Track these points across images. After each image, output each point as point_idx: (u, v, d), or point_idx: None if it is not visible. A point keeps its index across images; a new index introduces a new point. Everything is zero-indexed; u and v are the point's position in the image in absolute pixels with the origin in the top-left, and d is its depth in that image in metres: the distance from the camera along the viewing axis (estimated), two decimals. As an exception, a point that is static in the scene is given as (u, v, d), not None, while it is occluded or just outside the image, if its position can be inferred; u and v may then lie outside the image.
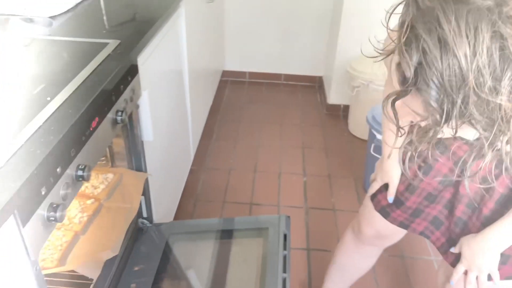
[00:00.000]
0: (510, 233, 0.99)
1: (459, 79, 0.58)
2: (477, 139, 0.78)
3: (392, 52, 0.69)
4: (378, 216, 1.26)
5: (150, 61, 1.39)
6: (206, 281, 1.30)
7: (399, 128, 0.74)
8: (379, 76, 2.48)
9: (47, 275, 1.05)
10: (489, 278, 1.05)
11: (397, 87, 0.67)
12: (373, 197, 1.28)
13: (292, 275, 1.81)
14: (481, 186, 0.95)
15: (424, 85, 0.61)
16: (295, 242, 1.97)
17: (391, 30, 0.72)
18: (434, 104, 0.61)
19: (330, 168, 2.50)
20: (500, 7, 0.58)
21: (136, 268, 1.32)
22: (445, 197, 1.10)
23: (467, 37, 0.57)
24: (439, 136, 0.67)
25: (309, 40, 3.30)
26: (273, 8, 3.18)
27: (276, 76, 3.49)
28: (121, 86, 1.12)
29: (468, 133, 0.92)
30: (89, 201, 1.23)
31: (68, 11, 1.44)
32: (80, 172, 0.88)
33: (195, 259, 1.37)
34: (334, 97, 3.04)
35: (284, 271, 1.24)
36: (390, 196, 1.21)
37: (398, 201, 1.20)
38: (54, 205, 0.79)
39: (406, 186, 1.17)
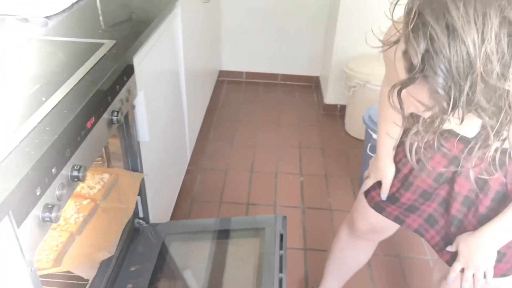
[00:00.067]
0: (507, 231, 0.99)
1: (467, 65, 0.58)
2: (479, 132, 0.78)
3: (396, 43, 0.69)
4: (372, 211, 1.27)
5: (146, 61, 1.39)
6: (202, 281, 1.30)
7: (404, 117, 0.74)
8: (376, 76, 2.48)
9: (42, 276, 1.05)
10: (484, 275, 1.06)
11: (402, 76, 0.66)
12: (367, 193, 1.29)
13: (288, 275, 1.81)
14: (483, 177, 0.95)
15: (431, 72, 0.60)
16: (291, 242, 1.97)
17: (396, 22, 0.72)
18: (441, 92, 0.61)
19: (326, 168, 2.50)
20: None
21: (132, 269, 1.32)
22: (440, 195, 1.10)
23: (475, 24, 0.57)
24: (445, 125, 0.67)
25: (306, 40, 3.30)
26: (270, 8, 3.18)
27: (273, 76, 3.49)
28: (117, 86, 1.12)
29: (470, 128, 0.93)
30: (85, 202, 1.22)
31: (63, 11, 1.44)
32: (75, 173, 0.88)
33: (192, 259, 1.37)
34: (330, 97, 3.04)
35: (281, 271, 1.24)
36: (383, 194, 1.22)
37: (393, 197, 1.20)
38: (49, 206, 0.79)
39: (402, 182, 1.17)
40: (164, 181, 1.77)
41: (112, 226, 1.19)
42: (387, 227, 1.29)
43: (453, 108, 0.62)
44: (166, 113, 1.71)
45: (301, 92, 3.39)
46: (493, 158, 0.88)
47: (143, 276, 1.29)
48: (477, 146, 0.75)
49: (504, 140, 0.70)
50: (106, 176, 1.33)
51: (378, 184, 1.24)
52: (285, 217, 1.41)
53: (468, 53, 0.58)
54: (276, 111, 3.10)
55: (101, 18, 1.44)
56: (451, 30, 0.58)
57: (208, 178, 2.38)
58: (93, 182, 1.30)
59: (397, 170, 1.19)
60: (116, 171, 1.35)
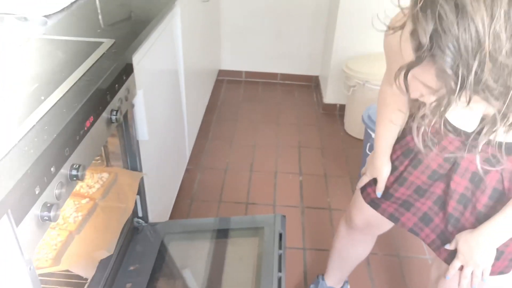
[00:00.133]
0: (506, 229, 1.00)
1: (476, 44, 0.59)
2: (481, 122, 0.77)
3: (401, 28, 0.69)
4: (367, 207, 1.29)
5: (145, 60, 1.39)
6: (201, 281, 1.30)
7: (411, 101, 0.74)
8: (375, 76, 2.48)
9: (41, 275, 1.05)
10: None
11: (408, 59, 0.66)
12: (363, 189, 1.31)
13: (288, 274, 1.81)
14: (486, 168, 0.95)
15: (439, 51, 0.60)
16: (291, 241, 1.97)
17: (402, 9, 0.72)
18: (449, 71, 0.61)
19: (326, 167, 2.50)
20: None
21: (131, 268, 1.32)
22: (435, 193, 1.11)
23: (484, 2, 0.58)
24: (451, 107, 0.66)
25: (305, 40, 3.30)
26: (269, 7, 3.18)
27: (272, 75, 3.49)
28: (116, 85, 1.12)
29: (470, 122, 0.93)
30: (84, 201, 1.22)
31: (63, 10, 1.44)
32: (74, 172, 0.87)
33: (191, 259, 1.37)
34: (330, 97, 3.04)
35: (280, 270, 1.24)
36: (379, 191, 1.24)
37: (387, 193, 1.22)
38: (48, 205, 0.78)
39: (396, 178, 1.19)
40: (163, 180, 1.77)
41: (111, 225, 1.19)
42: (383, 222, 1.30)
43: (461, 88, 0.62)
44: (165, 112, 1.71)
45: (300, 91, 3.39)
46: (499, 145, 0.88)
47: (142, 275, 1.29)
48: (483, 131, 0.74)
49: (510, 125, 0.70)
50: (105, 175, 1.32)
51: (374, 181, 1.26)
52: (284, 216, 1.41)
53: (477, 31, 0.58)
54: (276, 110, 3.10)
55: (100, 17, 1.44)
56: (460, 9, 0.58)
57: (208, 177, 2.38)
58: (92, 181, 1.29)
59: (394, 168, 1.20)
60: (115, 170, 1.35)
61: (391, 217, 1.24)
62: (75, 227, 1.13)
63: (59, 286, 1.14)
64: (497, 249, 1.03)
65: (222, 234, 1.43)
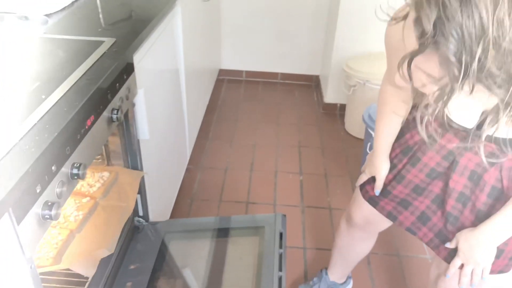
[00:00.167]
0: (507, 228, 1.00)
1: (479, 30, 0.59)
2: (483, 113, 0.77)
3: (404, 18, 0.70)
4: (366, 204, 1.30)
5: (146, 60, 1.39)
6: (202, 280, 1.30)
7: (414, 90, 0.74)
8: (376, 75, 2.48)
9: (42, 273, 1.05)
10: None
11: (410, 48, 0.67)
12: (362, 187, 1.32)
13: (288, 273, 1.81)
14: (489, 160, 0.95)
15: (443, 38, 0.61)
16: (291, 241, 1.98)
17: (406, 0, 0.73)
18: (452, 58, 0.61)
19: (326, 167, 2.50)
20: None
21: (132, 267, 1.32)
22: (433, 192, 1.11)
23: None
24: (454, 96, 0.66)
25: (305, 39, 3.30)
26: (269, 6, 3.18)
27: (273, 75, 3.49)
28: (117, 84, 1.12)
29: (472, 118, 0.93)
30: (84, 200, 1.22)
31: (63, 9, 1.44)
32: (75, 170, 0.88)
33: (191, 258, 1.37)
34: (330, 96, 3.04)
35: (280, 270, 1.24)
36: (377, 189, 1.25)
37: (385, 191, 1.23)
38: (49, 203, 0.79)
39: (394, 175, 1.20)
40: (164, 180, 1.77)
41: (112, 224, 1.20)
42: (382, 219, 1.31)
43: (464, 75, 0.62)
44: (166, 111, 1.71)
45: (301, 91, 3.39)
46: (504, 142, 0.89)
47: (142, 274, 1.29)
48: (487, 121, 0.74)
49: None
50: (106, 174, 1.33)
51: (373, 179, 1.27)
52: (284, 215, 1.41)
53: (480, 18, 0.58)
54: (276, 110, 3.10)
55: (101, 16, 1.44)
56: None
57: (208, 176, 2.38)
58: (93, 180, 1.30)
59: (393, 166, 1.21)
60: (116, 169, 1.35)
61: (389, 216, 1.25)
62: (76, 226, 1.13)
63: (60, 285, 1.14)
64: (498, 248, 1.04)
65: (222, 233, 1.43)
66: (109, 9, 1.50)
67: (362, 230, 1.44)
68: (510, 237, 1.02)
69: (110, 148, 1.36)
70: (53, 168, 0.81)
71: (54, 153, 0.80)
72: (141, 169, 1.38)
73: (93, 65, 1.07)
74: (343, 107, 2.99)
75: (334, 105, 3.06)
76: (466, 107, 0.90)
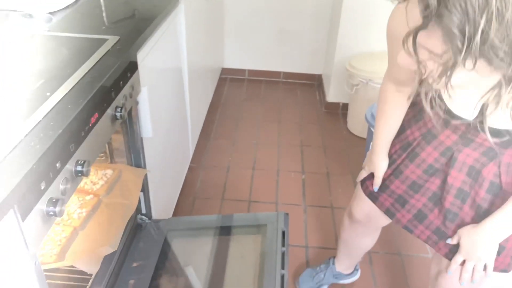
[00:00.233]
0: (509, 225, 1.01)
1: (483, 2, 0.59)
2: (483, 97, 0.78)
3: None
4: (366, 200, 1.33)
5: (149, 58, 1.39)
6: (204, 278, 1.30)
7: (419, 65, 0.75)
8: (378, 74, 2.48)
9: (46, 270, 1.06)
10: (484, 268, 1.08)
11: (414, 24, 0.68)
12: (362, 182, 1.35)
13: (290, 272, 1.82)
14: (495, 140, 0.96)
15: (446, 11, 0.61)
16: (293, 239, 1.98)
17: None
18: (455, 31, 0.62)
19: (328, 166, 2.50)
20: None
21: (134, 264, 1.32)
22: (430, 190, 1.12)
23: None
24: (457, 70, 0.68)
25: (308, 38, 3.30)
26: (272, 5, 3.18)
27: (275, 74, 3.49)
28: (121, 82, 1.12)
29: (472, 110, 0.94)
30: (88, 197, 1.23)
31: (67, 7, 1.45)
32: (79, 168, 0.88)
33: (194, 256, 1.38)
34: (333, 95, 3.04)
35: (283, 268, 1.24)
36: (375, 186, 1.28)
37: (384, 185, 1.25)
38: (54, 200, 0.79)
39: (393, 170, 1.22)
40: (167, 178, 1.77)
41: (115, 222, 1.20)
42: (381, 215, 1.33)
43: (467, 47, 0.63)
44: (169, 109, 1.71)
45: (303, 90, 3.39)
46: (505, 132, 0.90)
47: (145, 272, 1.29)
48: (490, 99, 0.74)
49: None
50: (109, 171, 1.33)
51: (373, 174, 1.29)
52: (287, 214, 1.41)
53: None
54: (278, 109, 3.10)
55: (104, 14, 1.44)
56: None
57: (210, 175, 2.38)
58: (96, 178, 1.30)
59: (392, 161, 1.23)
60: (119, 167, 1.35)
61: (387, 212, 1.26)
62: (80, 223, 1.13)
63: (63, 282, 1.14)
64: (499, 244, 1.04)
65: (225, 231, 1.43)
66: (112, 7, 1.50)
67: (363, 226, 1.46)
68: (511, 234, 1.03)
69: (114, 146, 1.37)
70: (57, 165, 0.81)
71: (58, 150, 0.81)
72: (144, 167, 1.39)
73: (97, 63, 1.07)
74: (345, 106, 2.99)
75: (337, 104, 3.06)
76: (466, 98, 0.90)
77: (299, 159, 2.55)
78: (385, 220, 1.36)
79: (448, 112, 0.99)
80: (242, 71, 3.50)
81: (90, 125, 0.95)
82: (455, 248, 1.10)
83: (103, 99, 1.02)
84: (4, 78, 0.99)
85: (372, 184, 1.29)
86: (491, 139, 0.93)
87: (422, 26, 0.66)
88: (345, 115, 2.97)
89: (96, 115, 0.98)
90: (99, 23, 1.36)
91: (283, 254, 1.28)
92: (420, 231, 1.18)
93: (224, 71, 3.49)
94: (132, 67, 1.20)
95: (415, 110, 1.17)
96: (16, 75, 1.00)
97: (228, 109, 3.06)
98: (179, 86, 1.90)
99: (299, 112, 3.07)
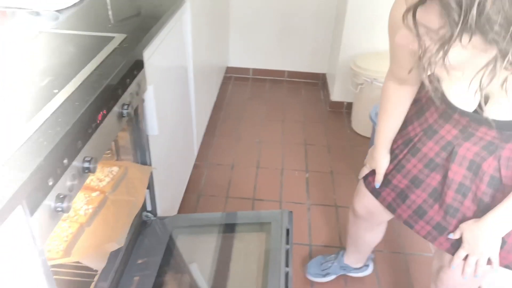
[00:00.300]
0: (508, 219, 1.02)
1: None
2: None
3: None
4: (367, 196, 1.35)
5: (155, 56, 1.40)
6: (209, 275, 1.31)
7: (419, 38, 0.77)
8: (383, 74, 2.47)
9: (52, 266, 1.06)
10: (488, 262, 1.08)
11: (413, 2, 0.71)
12: (365, 178, 1.37)
13: (294, 270, 1.82)
14: (497, 132, 0.97)
15: None
16: (297, 238, 1.98)
17: None
18: (453, 4, 0.65)
19: (332, 165, 2.50)
20: None
21: (139, 261, 1.33)
22: (431, 185, 1.14)
23: None
24: (453, 47, 0.70)
25: (313, 37, 3.30)
26: (277, 4, 3.18)
27: (280, 73, 3.49)
28: (127, 80, 1.13)
29: (471, 101, 0.95)
30: (94, 194, 1.24)
31: (74, 5, 1.45)
32: (86, 164, 0.89)
33: (199, 253, 1.38)
34: (337, 94, 3.04)
35: (287, 265, 1.25)
36: (377, 183, 1.30)
37: (386, 180, 1.27)
38: (61, 196, 0.80)
39: (395, 165, 1.24)
40: (172, 175, 1.78)
41: (121, 218, 1.21)
42: (382, 210, 1.35)
43: (464, 20, 0.65)
44: (174, 108, 1.72)
45: (307, 89, 3.39)
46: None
47: (150, 269, 1.30)
48: (485, 74, 0.76)
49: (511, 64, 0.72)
50: (115, 169, 1.34)
51: (375, 171, 1.31)
52: (291, 212, 1.42)
53: None
54: (283, 107, 3.10)
55: (111, 12, 1.45)
56: None
57: (215, 173, 2.39)
58: (102, 175, 1.31)
59: (394, 156, 1.25)
60: (125, 164, 1.36)
61: (389, 207, 1.28)
62: (86, 220, 1.14)
63: (69, 277, 1.15)
64: (502, 238, 1.05)
65: (229, 228, 1.44)
66: (119, 5, 1.51)
67: (366, 221, 1.48)
68: None
69: (120, 143, 1.37)
70: (64, 161, 0.82)
71: (65, 146, 0.82)
72: (150, 165, 1.39)
73: (104, 60, 1.08)
74: (349, 105, 2.99)
75: (341, 103, 3.06)
76: (464, 86, 0.91)
77: (303, 158, 2.56)
78: (387, 215, 1.38)
79: (448, 104, 1.00)
80: (246, 70, 3.51)
81: (97, 122, 0.95)
82: (457, 243, 1.11)
83: (110, 96, 1.02)
84: (12, 75, 1.00)
85: (374, 180, 1.31)
86: (493, 123, 0.94)
87: (421, 1, 0.69)
88: (349, 114, 2.97)
89: (103, 112, 0.98)
90: (106, 21, 1.37)
91: (287, 251, 1.29)
92: (420, 227, 1.19)
93: (229, 70, 3.50)
94: (138, 65, 1.21)
95: (417, 106, 1.19)
96: (23, 73, 1.01)
97: (233, 108, 3.07)
98: (184, 85, 1.90)
99: (303, 111, 3.07)
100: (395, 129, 1.24)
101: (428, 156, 1.13)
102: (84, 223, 1.14)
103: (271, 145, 2.67)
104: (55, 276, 0.95)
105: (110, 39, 1.20)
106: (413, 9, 0.71)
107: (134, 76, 1.18)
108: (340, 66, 2.91)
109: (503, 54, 0.69)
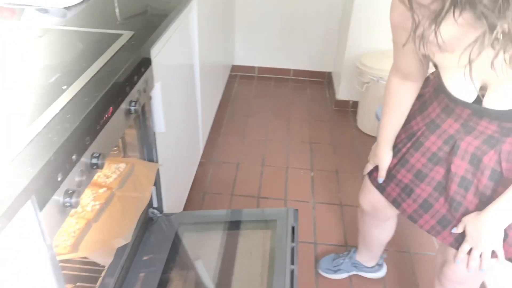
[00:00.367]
0: (509, 213, 1.02)
1: None
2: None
3: None
4: (372, 191, 1.37)
5: (162, 54, 1.40)
6: (214, 272, 1.31)
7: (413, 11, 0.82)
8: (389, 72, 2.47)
9: (60, 261, 1.07)
10: (493, 255, 1.08)
11: None
12: (370, 174, 1.39)
13: (299, 268, 1.82)
14: (497, 123, 0.98)
15: None
16: (302, 236, 1.98)
17: None
18: None
19: (337, 164, 2.50)
20: None
21: (145, 257, 1.34)
22: (435, 179, 1.15)
23: None
24: (445, 20, 0.74)
25: (318, 36, 3.30)
26: (283, 3, 3.18)
27: (285, 71, 3.49)
28: (135, 77, 1.13)
29: (470, 92, 0.96)
30: (101, 190, 1.24)
31: (82, 2, 1.46)
32: (94, 160, 0.89)
33: (204, 250, 1.39)
34: (343, 93, 3.04)
35: (292, 263, 1.25)
36: (380, 178, 1.31)
37: (390, 174, 1.28)
38: (70, 191, 0.80)
39: (398, 159, 1.25)
40: (178, 173, 1.79)
41: (128, 215, 1.21)
42: (387, 206, 1.36)
43: None
44: (181, 105, 1.72)
45: (313, 87, 3.39)
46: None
47: (155, 265, 1.31)
48: (475, 47, 0.78)
49: (497, 39, 0.74)
50: (122, 165, 1.34)
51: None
52: (296, 210, 1.42)
53: None
54: (288, 106, 3.11)
55: (118, 9, 1.46)
56: None
57: (220, 171, 2.40)
58: (109, 171, 1.31)
59: (398, 150, 1.26)
60: (132, 161, 1.37)
61: (394, 202, 1.29)
62: (93, 216, 1.15)
63: (76, 273, 1.16)
64: (504, 231, 1.06)
65: (235, 226, 1.44)
66: (126, 3, 1.52)
67: (372, 217, 1.49)
68: None
69: (127, 140, 1.38)
70: (73, 157, 0.83)
71: (74, 142, 0.82)
72: (157, 162, 1.40)
73: (112, 57, 1.09)
74: (355, 104, 2.99)
75: (346, 102, 3.06)
76: (463, 80, 0.92)
77: (308, 157, 2.56)
78: (392, 211, 1.39)
79: (449, 96, 1.01)
80: (252, 68, 3.51)
81: (105, 118, 0.96)
82: (460, 237, 1.12)
83: (118, 93, 1.03)
84: (21, 72, 1.01)
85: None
86: (493, 113, 0.96)
87: None
88: (354, 113, 2.97)
89: (111, 109, 0.99)
90: (113, 19, 1.37)
91: (292, 249, 1.29)
92: (424, 221, 1.20)
93: (234, 68, 3.50)
94: (146, 62, 1.21)
95: (420, 101, 1.21)
96: (32, 69, 1.02)
97: (238, 106, 3.07)
98: (190, 83, 1.91)
99: (308, 109, 3.07)
100: (399, 125, 1.26)
101: (431, 150, 1.14)
102: (91, 219, 1.14)
103: (276, 143, 2.67)
104: (62, 272, 0.95)
105: (118, 36, 1.21)
106: None
107: (142, 73, 1.18)
108: (346, 65, 2.90)
109: (491, 28, 0.71)
